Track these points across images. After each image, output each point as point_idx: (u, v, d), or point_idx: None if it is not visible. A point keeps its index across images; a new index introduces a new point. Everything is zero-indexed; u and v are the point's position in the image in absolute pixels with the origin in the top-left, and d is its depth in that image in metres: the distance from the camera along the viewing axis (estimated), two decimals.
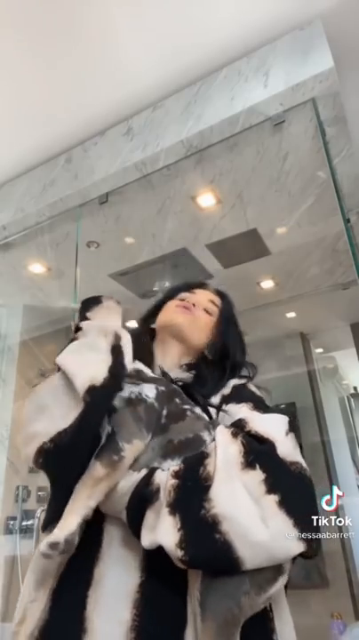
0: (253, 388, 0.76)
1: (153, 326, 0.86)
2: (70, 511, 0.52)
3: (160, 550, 0.49)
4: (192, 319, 0.81)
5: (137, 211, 2.12)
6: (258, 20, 1.58)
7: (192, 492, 0.51)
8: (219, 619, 0.46)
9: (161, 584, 0.51)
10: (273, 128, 1.66)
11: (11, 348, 2.76)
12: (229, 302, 0.91)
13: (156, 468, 0.55)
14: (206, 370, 0.77)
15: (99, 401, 0.55)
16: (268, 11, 1.54)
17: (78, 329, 0.68)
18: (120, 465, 0.54)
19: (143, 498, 0.52)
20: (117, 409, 0.58)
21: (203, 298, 0.87)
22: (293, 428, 0.60)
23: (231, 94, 1.67)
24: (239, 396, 0.72)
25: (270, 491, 0.49)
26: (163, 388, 0.63)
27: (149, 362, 0.75)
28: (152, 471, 0.55)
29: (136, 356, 0.66)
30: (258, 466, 0.51)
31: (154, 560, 0.52)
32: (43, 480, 2.20)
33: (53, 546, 0.50)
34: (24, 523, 2.44)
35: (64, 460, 0.54)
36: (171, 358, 0.79)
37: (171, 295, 0.90)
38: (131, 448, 0.54)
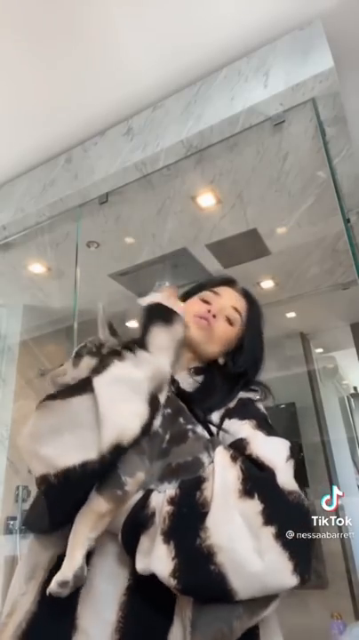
0: (259, 405, 0.74)
1: None
2: (74, 547, 0.52)
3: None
4: (209, 335, 0.77)
5: (137, 211, 2.12)
6: (258, 20, 1.58)
7: (188, 520, 0.50)
8: (208, 638, 0.46)
9: (148, 588, 0.51)
10: (273, 128, 1.66)
11: (11, 348, 2.77)
12: (256, 309, 0.85)
13: (152, 490, 0.55)
14: (217, 378, 0.75)
15: (117, 458, 0.53)
16: (268, 11, 1.55)
17: (133, 346, 0.62)
18: (124, 499, 0.53)
19: (138, 522, 0.52)
20: None
21: (226, 303, 0.81)
22: (294, 454, 0.59)
23: (231, 94, 1.67)
24: (244, 411, 0.69)
25: (267, 522, 0.49)
26: (169, 411, 0.61)
27: None
28: (148, 493, 0.55)
29: None
30: (256, 495, 0.51)
31: None
32: None
33: (63, 585, 0.50)
34: None
35: (65, 497, 0.53)
36: (180, 361, 0.76)
37: (194, 291, 0.86)
38: (134, 481, 0.54)
